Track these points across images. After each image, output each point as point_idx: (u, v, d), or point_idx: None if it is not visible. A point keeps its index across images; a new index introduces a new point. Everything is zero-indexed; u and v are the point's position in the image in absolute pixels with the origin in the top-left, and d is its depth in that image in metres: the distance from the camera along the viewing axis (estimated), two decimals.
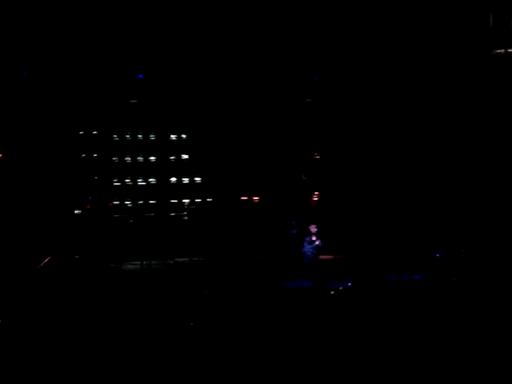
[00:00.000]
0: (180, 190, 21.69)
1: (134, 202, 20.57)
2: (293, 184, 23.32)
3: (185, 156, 21.97)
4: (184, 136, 22.22)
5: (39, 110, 20.26)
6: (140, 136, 21.40)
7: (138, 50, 21.32)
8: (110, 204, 19.01)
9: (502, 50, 21.27)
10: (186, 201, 21.48)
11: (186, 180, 21.99)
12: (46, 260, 15.50)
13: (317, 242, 17.51)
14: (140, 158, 20.91)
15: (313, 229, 17.53)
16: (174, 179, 21.66)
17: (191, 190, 21.97)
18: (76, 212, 18.70)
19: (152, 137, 21.64)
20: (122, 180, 20.60)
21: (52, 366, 9.52)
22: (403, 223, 20.05)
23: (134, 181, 20.59)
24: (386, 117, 22.40)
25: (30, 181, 18.96)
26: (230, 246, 20.80)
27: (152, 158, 21.43)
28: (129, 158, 20.90)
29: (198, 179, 22.22)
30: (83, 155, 20.57)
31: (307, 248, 17.50)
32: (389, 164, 22.00)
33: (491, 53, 21.33)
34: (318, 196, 22.78)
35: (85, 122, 20.87)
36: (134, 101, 21.33)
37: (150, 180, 21.03)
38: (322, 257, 17.93)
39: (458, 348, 9.64)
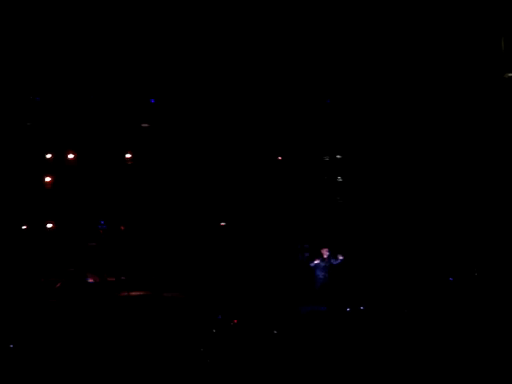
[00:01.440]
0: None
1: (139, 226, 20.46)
2: (305, 208, 23.29)
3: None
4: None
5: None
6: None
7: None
8: (122, 228, 18.95)
9: None
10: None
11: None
12: (57, 285, 15.50)
13: (334, 261, 17.37)
14: None
15: (325, 253, 17.44)
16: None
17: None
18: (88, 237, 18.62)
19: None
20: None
21: None
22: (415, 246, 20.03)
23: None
24: (394, 137, 22.41)
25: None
26: (242, 269, 20.81)
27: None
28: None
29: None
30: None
31: (319, 271, 17.42)
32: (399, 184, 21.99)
33: (503, 76, 21.33)
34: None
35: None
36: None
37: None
38: None
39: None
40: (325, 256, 17.37)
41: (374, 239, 21.38)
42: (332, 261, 17.49)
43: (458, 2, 21.63)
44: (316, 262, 17.48)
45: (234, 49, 22.26)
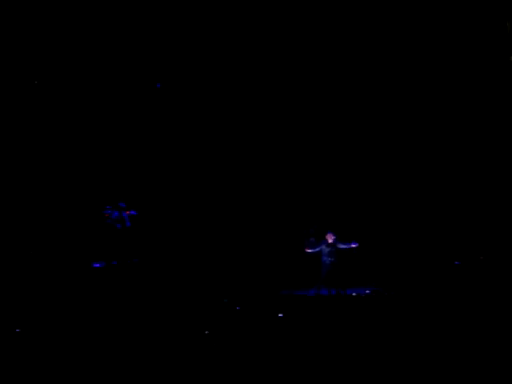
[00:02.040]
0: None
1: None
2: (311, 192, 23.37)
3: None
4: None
5: None
6: None
7: None
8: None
9: None
10: None
11: None
12: None
13: (342, 245, 17.43)
14: None
15: (330, 238, 17.47)
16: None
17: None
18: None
19: None
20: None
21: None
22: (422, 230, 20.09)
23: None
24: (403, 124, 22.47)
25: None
26: (248, 254, 20.95)
27: None
28: None
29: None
30: None
31: (325, 257, 17.47)
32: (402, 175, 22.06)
33: (509, 59, 21.28)
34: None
35: None
36: None
37: None
38: None
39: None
40: (330, 241, 17.38)
41: (380, 224, 21.49)
42: (339, 245, 17.50)
43: None
44: (320, 247, 17.51)
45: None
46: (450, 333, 10.59)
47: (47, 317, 13.21)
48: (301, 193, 23.21)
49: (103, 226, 19.30)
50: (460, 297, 14.37)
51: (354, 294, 15.65)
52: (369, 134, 22.64)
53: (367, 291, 16.82)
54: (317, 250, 17.51)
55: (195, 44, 22.06)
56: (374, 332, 11.05)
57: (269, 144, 22.97)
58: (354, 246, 17.56)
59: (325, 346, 10.37)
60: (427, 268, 18.36)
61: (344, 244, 17.45)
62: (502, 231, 19.55)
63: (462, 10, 21.43)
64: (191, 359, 9.97)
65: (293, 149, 23.20)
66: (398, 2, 21.76)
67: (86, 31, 20.76)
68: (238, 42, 22.57)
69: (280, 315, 11.91)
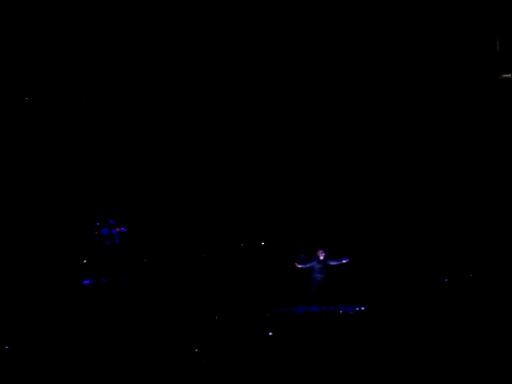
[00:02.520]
0: None
1: None
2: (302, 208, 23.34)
3: None
4: None
5: None
6: None
7: None
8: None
9: (509, 75, 21.32)
10: None
11: None
12: None
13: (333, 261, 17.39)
14: None
15: (321, 254, 17.45)
16: None
17: None
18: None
19: None
20: None
21: None
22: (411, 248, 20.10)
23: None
24: (389, 138, 22.52)
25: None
26: (237, 272, 20.91)
27: None
28: None
29: None
30: None
31: (316, 273, 17.44)
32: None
33: (498, 77, 21.40)
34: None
35: None
36: None
37: None
38: None
39: None
40: (321, 258, 17.35)
41: (370, 240, 21.47)
42: (330, 261, 17.46)
43: (453, 3, 21.72)
44: (311, 263, 17.48)
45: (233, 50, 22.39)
46: (441, 349, 10.57)
47: (36, 334, 13.12)
48: (292, 209, 23.19)
49: (92, 242, 19.22)
50: (449, 314, 14.36)
51: (344, 311, 15.60)
52: (356, 154, 22.72)
53: (357, 308, 16.78)
54: (307, 266, 17.47)
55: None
56: (365, 349, 11.02)
57: (258, 160, 22.99)
58: (344, 261, 17.56)
59: (315, 363, 10.34)
60: (416, 285, 18.33)
61: (335, 260, 17.44)
62: (491, 249, 19.59)
63: (452, 27, 21.57)
64: (180, 377, 9.91)
65: (282, 165, 23.21)
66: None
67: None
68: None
69: (270, 334, 11.86)
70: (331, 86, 22.45)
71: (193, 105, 22.35)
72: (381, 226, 21.57)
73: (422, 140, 21.91)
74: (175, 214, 21.61)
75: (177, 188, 22.01)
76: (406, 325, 13.16)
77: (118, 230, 19.18)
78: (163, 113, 22.16)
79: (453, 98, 21.59)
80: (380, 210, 21.78)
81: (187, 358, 10.91)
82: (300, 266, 17.78)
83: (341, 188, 22.57)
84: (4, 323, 13.91)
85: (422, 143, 21.91)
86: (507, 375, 9.21)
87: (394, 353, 10.67)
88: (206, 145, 22.46)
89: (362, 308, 16.75)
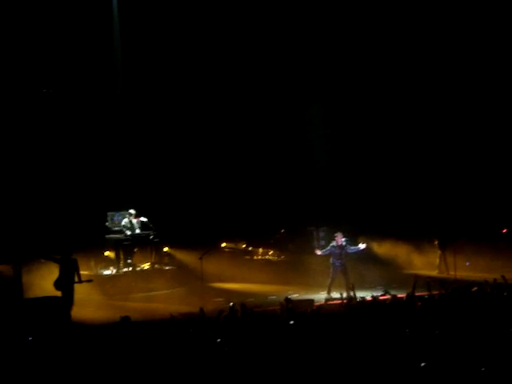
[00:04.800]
0: None
1: None
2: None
3: None
4: None
5: None
6: None
7: None
8: None
9: None
10: None
11: None
12: None
13: (351, 249, 17.21)
14: None
15: (339, 239, 17.19)
16: None
17: None
18: None
19: None
20: None
21: None
22: None
23: None
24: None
25: None
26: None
27: None
28: None
29: None
30: None
31: (334, 259, 17.20)
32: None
33: None
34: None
35: None
36: None
37: None
38: None
39: None
40: (339, 243, 17.09)
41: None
42: (349, 249, 17.23)
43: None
44: (329, 248, 17.25)
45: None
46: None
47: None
48: (310, 196, 23.17)
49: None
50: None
51: (365, 297, 15.25)
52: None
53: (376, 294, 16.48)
54: (326, 252, 17.25)
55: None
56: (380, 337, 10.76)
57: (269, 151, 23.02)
58: (362, 247, 17.32)
59: (334, 353, 10.13)
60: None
61: (353, 247, 17.21)
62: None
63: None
64: None
65: (295, 154, 23.34)
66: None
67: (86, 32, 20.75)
68: (237, 42, 22.58)
69: (291, 322, 11.64)
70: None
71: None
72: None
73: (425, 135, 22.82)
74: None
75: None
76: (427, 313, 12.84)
77: (137, 219, 19.24)
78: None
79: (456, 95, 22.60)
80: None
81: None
82: (319, 253, 17.58)
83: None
84: None
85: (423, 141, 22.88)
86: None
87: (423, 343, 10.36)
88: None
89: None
